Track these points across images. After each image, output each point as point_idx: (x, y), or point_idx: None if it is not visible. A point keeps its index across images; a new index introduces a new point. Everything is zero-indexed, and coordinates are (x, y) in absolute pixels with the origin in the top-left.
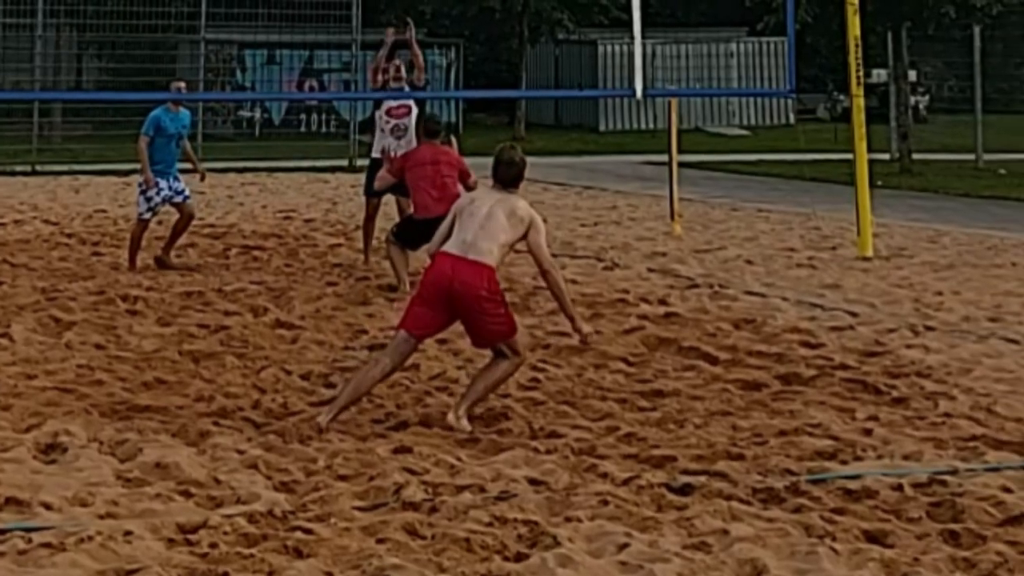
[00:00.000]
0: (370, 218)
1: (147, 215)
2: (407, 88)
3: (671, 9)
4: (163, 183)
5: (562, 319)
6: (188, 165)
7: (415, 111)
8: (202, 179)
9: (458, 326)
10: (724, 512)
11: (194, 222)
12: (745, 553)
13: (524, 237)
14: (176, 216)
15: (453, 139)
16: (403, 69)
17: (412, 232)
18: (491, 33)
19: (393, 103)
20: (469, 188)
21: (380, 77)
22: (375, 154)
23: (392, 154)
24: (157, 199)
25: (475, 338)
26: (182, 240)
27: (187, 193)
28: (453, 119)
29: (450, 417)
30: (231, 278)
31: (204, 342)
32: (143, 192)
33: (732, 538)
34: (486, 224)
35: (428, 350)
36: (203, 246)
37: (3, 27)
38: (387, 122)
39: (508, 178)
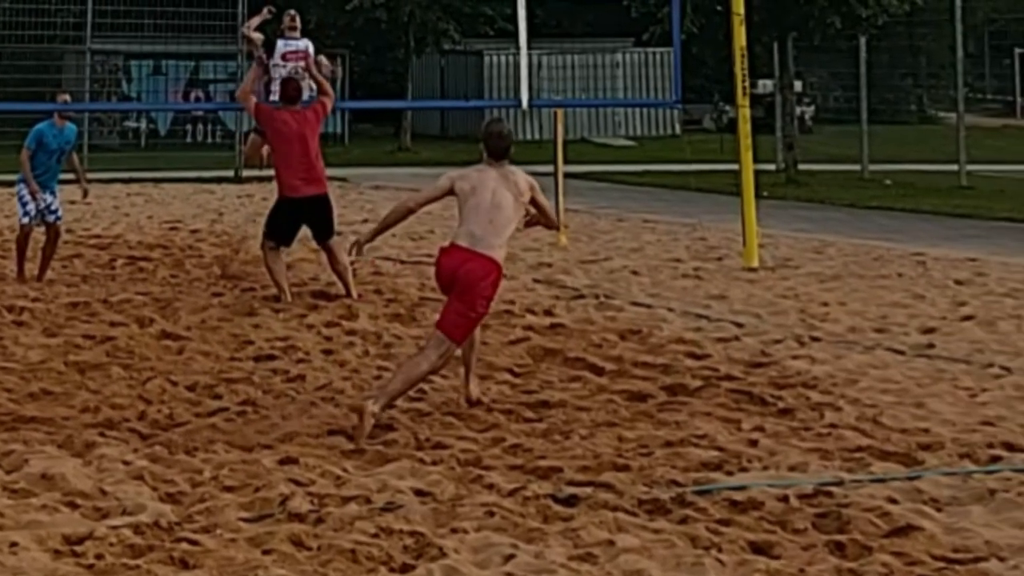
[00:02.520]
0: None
1: (26, 220)
2: (302, 41)
3: (557, 20)
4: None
5: None
6: (73, 175)
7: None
8: (84, 196)
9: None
10: (610, 523)
11: (80, 233)
12: (631, 564)
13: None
14: (44, 239)
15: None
16: (297, 19)
17: (282, 220)
18: (377, 44)
19: (287, 48)
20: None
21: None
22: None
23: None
24: (32, 206)
25: (448, 305)
26: (68, 251)
27: (59, 214)
28: (339, 130)
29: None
30: (117, 289)
31: (90, 353)
32: (21, 200)
33: (618, 549)
34: (495, 217)
35: (314, 361)
36: (89, 257)
37: None
38: (283, 66)
39: (500, 150)
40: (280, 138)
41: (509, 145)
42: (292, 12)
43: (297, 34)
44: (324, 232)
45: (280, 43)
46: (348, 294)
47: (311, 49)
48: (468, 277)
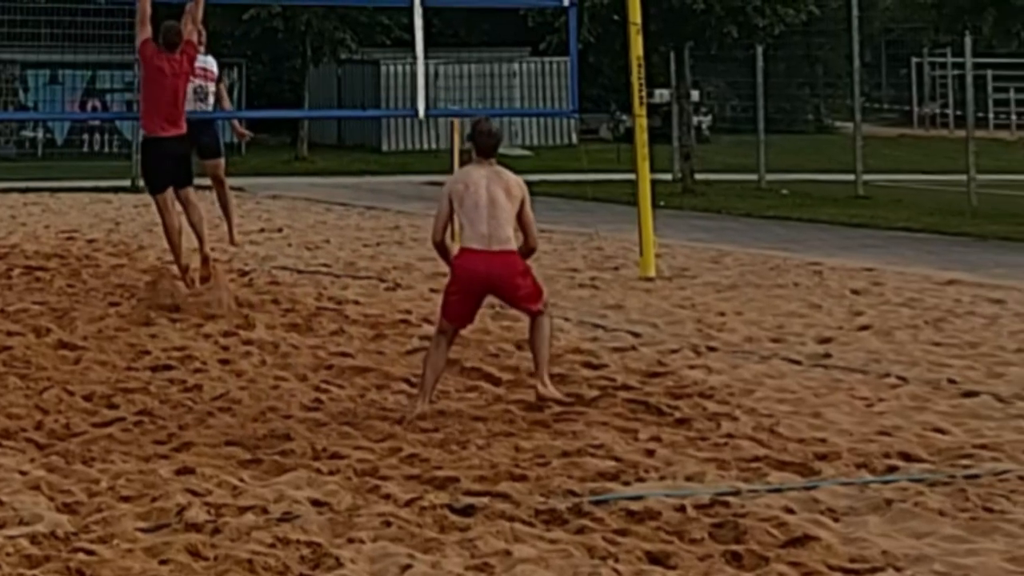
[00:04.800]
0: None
1: None
2: (208, 57)
3: (454, 29)
4: None
5: (344, 340)
6: None
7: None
8: None
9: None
10: (507, 533)
11: None
12: (527, 574)
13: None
14: None
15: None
16: (203, 35)
17: (154, 165)
18: (274, 53)
19: (197, 64)
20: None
21: None
22: None
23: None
24: None
25: (513, 305)
26: None
27: None
28: (236, 139)
29: (541, 390)
30: (13, 298)
31: None
32: None
33: (515, 559)
34: (495, 213)
35: (211, 371)
36: None
37: None
38: (190, 81)
39: (488, 147)
40: (154, 82)
41: (497, 143)
42: (199, 27)
43: (203, 49)
44: (183, 177)
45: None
46: (201, 248)
47: (215, 67)
48: (501, 279)
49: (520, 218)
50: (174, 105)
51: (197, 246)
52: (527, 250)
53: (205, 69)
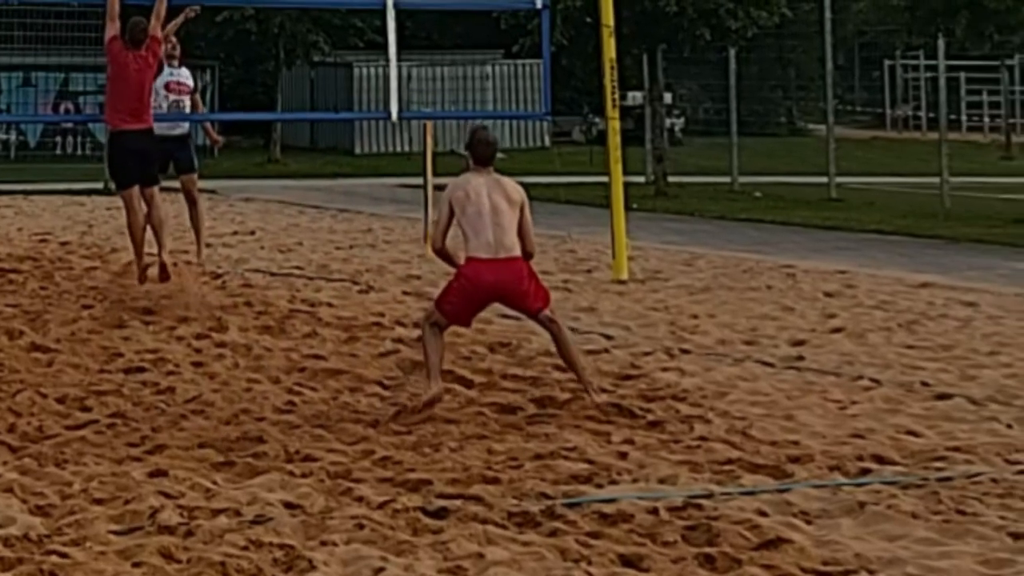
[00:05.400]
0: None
1: None
2: (183, 69)
3: (426, 31)
4: None
5: (317, 343)
6: None
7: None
8: None
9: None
10: (480, 536)
11: None
12: None
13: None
14: None
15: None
16: (178, 48)
17: (119, 160)
18: (247, 55)
19: (172, 79)
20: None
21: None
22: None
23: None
24: None
25: (519, 310)
26: None
27: None
28: (208, 142)
29: (594, 399)
30: None
31: None
32: None
33: (488, 562)
34: (498, 220)
35: (184, 373)
36: None
37: None
38: (165, 97)
39: (486, 156)
40: (120, 77)
41: (495, 152)
42: (174, 40)
43: (177, 63)
44: (148, 175)
45: (165, 71)
46: (160, 253)
47: (190, 80)
48: (509, 285)
49: (519, 224)
50: (139, 100)
51: (156, 250)
52: (525, 255)
53: (180, 83)
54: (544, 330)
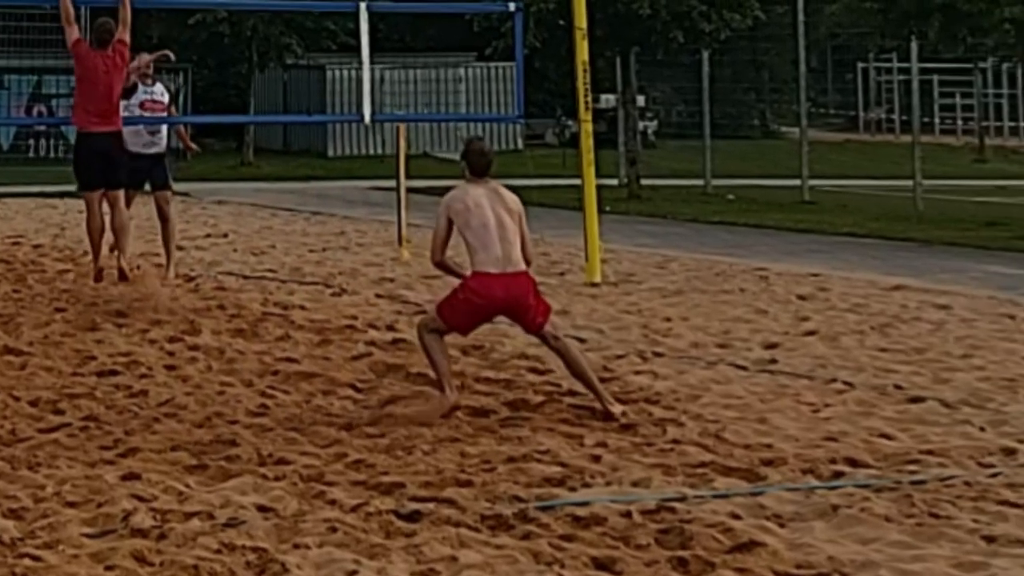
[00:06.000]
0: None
1: None
2: (157, 86)
3: (399, 34)
4: None
5: (290, 346)
6: None
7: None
8: None
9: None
10: (453, 539)
11: None
12: None
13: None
14: None
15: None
16: (152, 66)
17: (84, 161)
18: (220, 58)
19: (146, 97)
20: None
21: (131, 77)
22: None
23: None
24: None
25: (521, 324)
26: None
27: None
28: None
29: (612, 410)
30: None
31: None
32: None
33: (461, 565)
34: (505, 235)
35: (157, 376)
36: None
37: None
38: (140, 116)
39: (482, 167)
40: (88, 80)
41: (490, 162)
42: (147, 58)
43: (150, 81)
44: (114, 179)
45: (140, 90)
46: (119, 258)
47: (165, 98)
48: (517, 300)
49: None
50: (107, 101)
51: (116, 253)
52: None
53: (155, 101)
54: (548, 348)
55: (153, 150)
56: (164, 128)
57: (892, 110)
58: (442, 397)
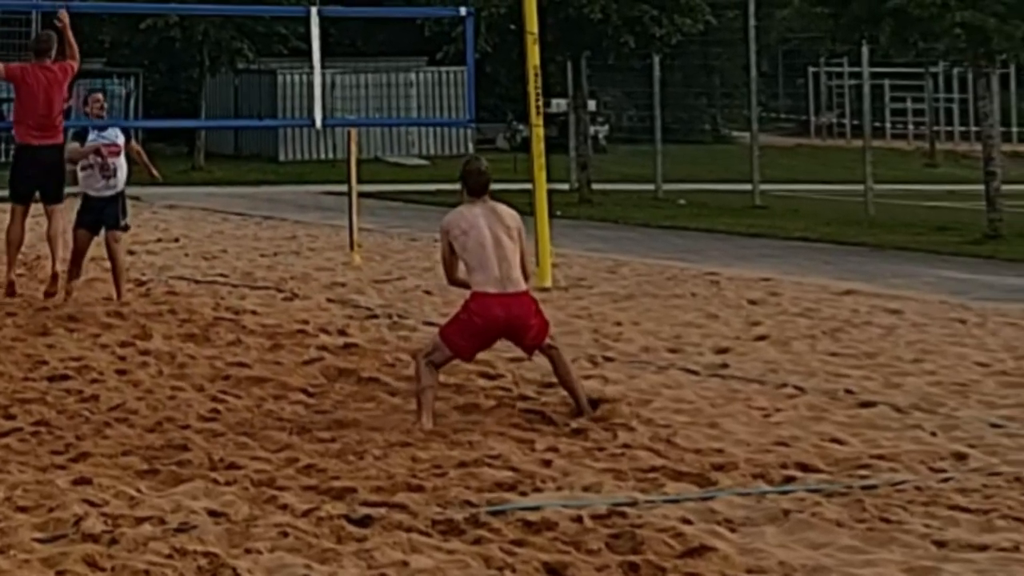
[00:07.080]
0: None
1: None
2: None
3: (351, 39)
4: None
5: (241, 350)
6: None
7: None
8: None
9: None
10: (404, 544)
11: None
12: None
13: None
14: None
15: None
16: (105, 107)
17: (21, 173)
18: (171, 63)
19: (103, 141)
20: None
21: (85, 109)
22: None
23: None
24: None
25: (521, 345)
26: None
27: None
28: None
29: (584, 420)
30: None
31: None
32: None
33: (412, 570)
34: (503, 254)
35: (108, 381)
36: None
37: None
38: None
39: (479, 186)
40: (26, 91)
41: (488, 181)
42: (99, 97)
43: (103, 116)
44: (52, 192)
45: (93, 135)
46: (53, 263)
47: (121, 140)
48: (519, 320)
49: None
50: (47, 114)
51: (50, 260)
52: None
53: (112, 143)
54: (541, 353)
55: (109, 193)
56: (122, 170)
57: (843, 115)
58: (417, 423)
